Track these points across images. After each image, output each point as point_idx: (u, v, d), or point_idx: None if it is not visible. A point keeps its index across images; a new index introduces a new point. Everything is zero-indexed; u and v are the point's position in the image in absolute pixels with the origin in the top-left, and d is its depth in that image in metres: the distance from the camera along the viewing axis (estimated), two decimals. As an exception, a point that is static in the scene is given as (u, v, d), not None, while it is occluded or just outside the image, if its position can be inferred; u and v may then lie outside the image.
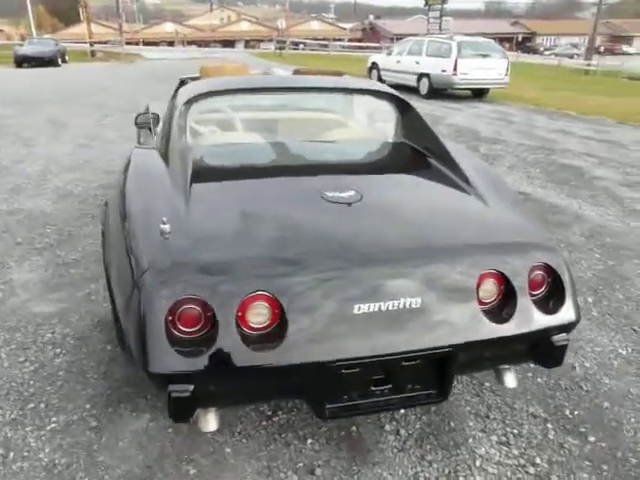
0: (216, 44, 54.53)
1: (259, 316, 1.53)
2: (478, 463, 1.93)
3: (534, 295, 1.74)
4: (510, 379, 1.86)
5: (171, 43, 51.33)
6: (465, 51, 11.48)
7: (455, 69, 11.30)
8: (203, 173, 2.02)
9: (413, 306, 1.59)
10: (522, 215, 2.03)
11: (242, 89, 2.44)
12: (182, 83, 3.18)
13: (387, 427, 2.08)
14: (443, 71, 11.47)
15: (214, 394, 1.53)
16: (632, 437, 2.08)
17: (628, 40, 57.61)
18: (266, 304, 1.53)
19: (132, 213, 1.83)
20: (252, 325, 1.52)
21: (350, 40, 54.15)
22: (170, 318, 1.47)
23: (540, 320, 1.71)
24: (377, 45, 35.70)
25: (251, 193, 2.01)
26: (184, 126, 2.22)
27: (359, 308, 1.56)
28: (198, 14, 76.03)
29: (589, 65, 28.28)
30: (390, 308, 1.57)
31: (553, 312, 1.74)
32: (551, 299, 1.76)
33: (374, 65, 14.28)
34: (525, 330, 1.69)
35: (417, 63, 12.18)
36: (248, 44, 57.20)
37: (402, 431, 2.07)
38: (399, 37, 49.43)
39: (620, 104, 12.80)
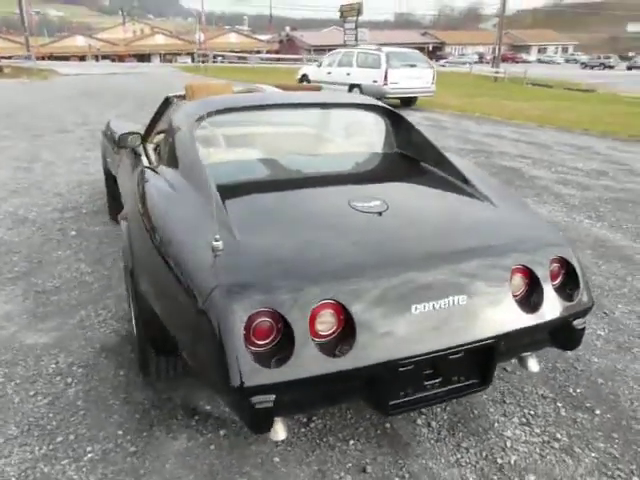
0: (131, 58, 52.98)
1: (326, 324, 1.60)
2: (509, 444, 2.09)
3: (554, 285, 1.93)
4: (533, 364, 2.05)
5: (82, 58, 49.27)
6: (394, 62, 11.99)
7: (386, 79, 11.77)
8: (231, 189, 2.07)
9: (460, 303, 1.73)
10: (530, 214, 2.24)
11: (251, 106, 2.50)
12: (167, 101, 3.16)
13: (418, 421, 2.20)
14: (374, 81, 11.90)
15: (290, 402, 1.58)
16: (630, 407, 2.33)
17: (527, 49, 62.08)
18: (332, 311, 1.60)
19: (173, 238, 1.83)
20: (320, 333, 1.59)
21: (268, 52, 54.52)
22: (245, 332, 1.51)
23: (563, 307, 1.90)
24: (297, 57, 36.16)
25: (284, 206, 2.07)
26: (196, 144, 2.24)
27: (416, 308, 1.67)
28: (107, 27, 73.56)
29: (497, 72, 30.30)
30: (441, 306, 1.70)
31: (572, 299, 1.93)
32: (568, 288, 1.96)
33: (304, 77, 14.54)
34: (552, 317, 1.87)
35: (348, 74, 12.55)
36: (164, 58, 56.03)
37: (433, 423, 2.20)
38: (316, 48, 50.46)
39: (535, 108, 13.84)
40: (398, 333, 1.64)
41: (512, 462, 2.01)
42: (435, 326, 1.69)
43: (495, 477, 1.94)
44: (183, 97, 3.14)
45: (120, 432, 2.12)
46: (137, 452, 2.02)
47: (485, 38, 62.43)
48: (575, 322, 1.95)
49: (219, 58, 39.19)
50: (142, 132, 3.24)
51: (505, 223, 2.09)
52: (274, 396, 1.51)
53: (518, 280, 1.89)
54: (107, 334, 2.83)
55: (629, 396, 2.40)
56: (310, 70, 14.61)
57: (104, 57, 49.59)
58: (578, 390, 2.43)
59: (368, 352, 1.58)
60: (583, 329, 1.97)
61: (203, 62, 31.88)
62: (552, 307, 1.87)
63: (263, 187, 2.27)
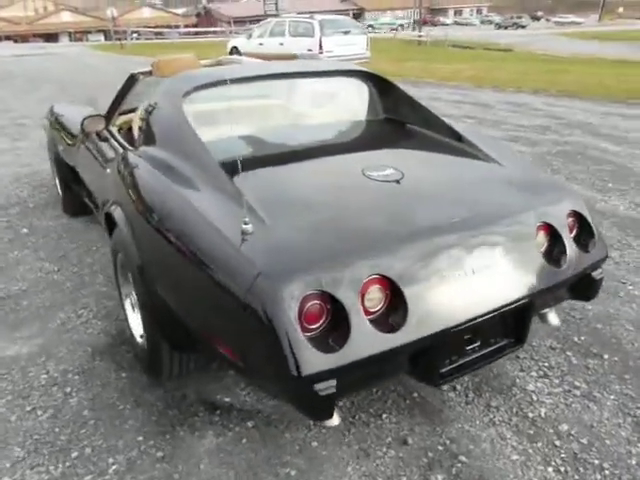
0: (36, 38, 49.18)
1: (374, 300, 1.53)
2: (534, 398, 2.14)
3: (573, 239, 1.96)
4: (554, 318, 2.08)
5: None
6: (327, 29, 11.81)
7: (321, 47, 11.59)
8: (235, 167, 1.93)
9: (498, 265, 1.71)
10: (534, 170, 2.25)
11: (241, 78, 2.33)
12: (132, 78, 2.90)
13: (444, 387, 2.20)
14: (309, 50, 11.67)
15: (347, 385, 1.51)
16: (632, 348, 2.44)
17: (444, 12, 63.13)
18: (379, 286, 1.54)
19: (191, 228, 1.68)
20: (370, 310, 1.53)
21: (186, 26, 52.35)
22: (298, 318, 1.42)
23: (583, 259, 1.93)
24: (219, 30, 34.97)
25: (298, 181, 1.96)
26: (189, 121, 2.07)
27: (457, 275, 1.63)
28: (5, 4, 67.76)
29: (420, 36, 30.70)
30: (481, 270, 1.67)
31: (588, 251, 1.97)
32: (584, 240, 1.98)
33: (235, 49, 14.06)
34: (576, 270, 1.90)
35: (281, 44, 12.25)
36: (74, 37, 52.52)
37: (458, 387, 2.20)
38: (237, 20, 48.97)
39: (465, 69, 14.13)
40: (444, 301, 1.60)
41: (542, 414, 2.05)
42: (476, 291, 1.66)
43: (531, 431, 1.97)
44: (149, 73, 2.90)
45: (140, 438, 1.98)
46: (165, 456, 1.89)
47: (404, 2, 62.83)
48: (594, 273, 1.99)
49: (134, 35, 37.23)
50: (103, 114, 2.98)
51: (518, 182, 2.08)
52: (335, 381, 1.43)
53: (542, 237, 1.89)
54: (95, 335, 2.63)
55: (628, 338, 2.51)
56: (240, 42, 14.16)
57: (7, 38, 45.73)
58: (582, 338, 2.52)
59: (421, 324, 1.54)
60: (602, 279, 2.02)
61: (119, 39, 30.14)
62: (575, 260, 1.90)
63: (268, 162, 2.13)
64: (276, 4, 23.95)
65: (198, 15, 57.36)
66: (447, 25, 53.35)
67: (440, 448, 1.90)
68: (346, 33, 12.17)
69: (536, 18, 58.80)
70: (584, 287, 1.99)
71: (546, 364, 2.34)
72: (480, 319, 1.66)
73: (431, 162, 2.21)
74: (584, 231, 2.00)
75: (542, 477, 1.78)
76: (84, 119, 2.83)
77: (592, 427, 1.99)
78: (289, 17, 13.39)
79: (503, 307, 1.71)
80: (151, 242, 1.87)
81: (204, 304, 1.64)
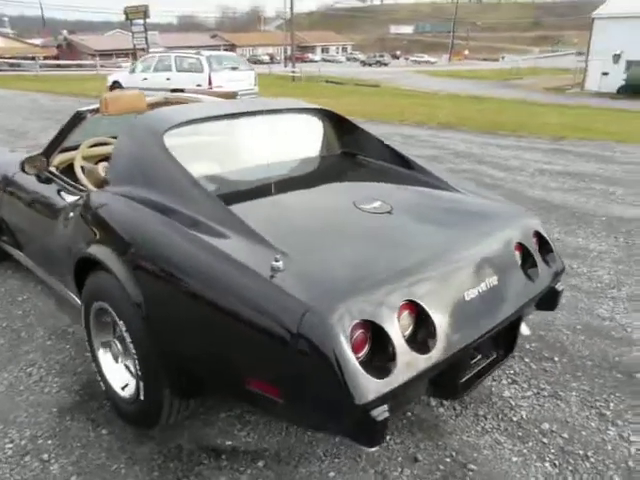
0: None
1: (404, 324, 1.62)
2: (513, 403, 2.35)
3: (540, 255, 2.22)
4: (525, 329, 2.31)
5: None
6: (216, 65, 11.86)
7: (210, 83, 11.58)
8: (234, 201, 1.93)
9: (494, 283, 1.90)
10: (492, 196, 2.52)
11: (216, 116, 2.33)
12: (78, 115, 2.73)
13: (432, 402, 2.34)
14: (198, 85, 11.61)
15: (394, 408, 1.57)
16: (574, 349, 2.77)
17: (312, 49, 66.20)
18: (408, 310, 1.63)
19: (212, 270, 1.65)
20: (403, 333, 1.61)
21: (46, 58, 49.09)
22: (352, 347, 1.47)
23: (549, 273, 2.20)
24: (89, 63, 33.35)
25: (298, 212, 2.02)
26: (174, 157, 2.03)
27: (467, 294, 1.79)
28: None
29: (294, 72, 31.92)
30: (483, 289, 1.85)
31: (551, 266, 2.24)
32: (546, 256, 2.26)
33: (116, 84, 13.52)
34: (547, 282, 2.15)
35: (168, 79, 12.03)
36: None
37: (444, 402, 2.35)
38: (102, 53, 46.98)
39: (346, 104, 14.91)
40: (462, 320, 1.74)
41: (524, 417, 2.26)
42: (483, 308, 1.83)
43: (520, 433, 2.17)
44: (96, 111, 2.76)
45: (156, 492, 1.85)
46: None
47: (273, 39, 64.91)
48: (557, 285, 2.26)
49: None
50: (40, 153, 2.78)
51: (484, 208, 2.31)
52: (387, 405, 1.49)
53: (517, 256, 2.12)
54: (56, 394, 2.40)
55: (569, 341, 2.85)
56: (122, 77, 13.65)
57: None
58: (533, 345, 2.81)
59: (448, 343, 1.65)
60: (562, 290, 2.30)
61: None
62: (544, 274, 2.15)
63: (261, 197, 2.15)
64: (146, 38, 23.58)
65: (59, 46, 54.14)
66: (316, 62, 55.91)
67: (448, 460, 2.02)
68: (234, 69, 12.32)
69: (396, 57, 63.92)
70: (549, 298, 2.25)
71: (512, 371, 2.58)
72: (488, 334, 1.82)
73: (409, 193, 2.38)
74: (545, 248, 2.27)
75: (543, 473, 1.97)
76: (25, 159, 2.62)
77: (567, 422, 2.23)
78: (174, 53, 13.22)
79: (504, 321, 1.89)
80: (160, 288, 1.79)
81: (234, 347, 1.61)
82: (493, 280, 1.90)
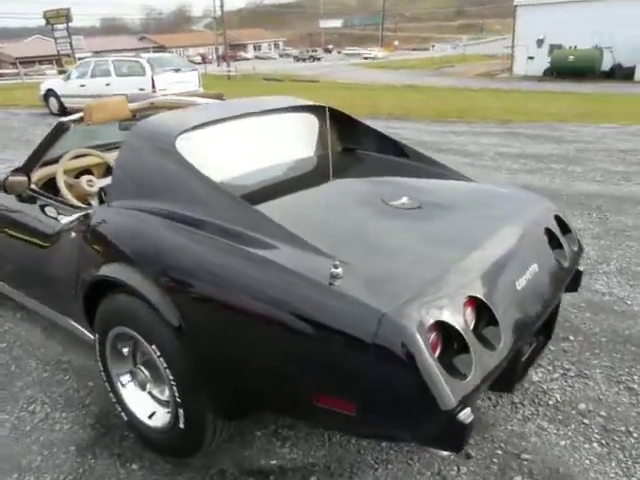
0: None
1: (470, 321, 1.58)
2: (545, 386, 2.36)
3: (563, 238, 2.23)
4: None
5: None
6: (157, 68, 11.41)
7: (154, 86, 11.14)
8: (268, 207, 1.81)
9: (536, 270, 1.88)
10: (505, 183, 2.51)
11: (224, 118, 2.18)
12: (62, 126, 2.49)
13: (467, 395, 2.31)
14: (141, 89, 11.16)
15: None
16: (586, 327, 2.82)
17: (244, 47, 65.39)
18: (471, 307, 1.58)
19: (266, 283, 1.54)
20: (472, 331, 1.56)
21: (-40, 68, 45.90)
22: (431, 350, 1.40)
23: (574, 254, 2.21)
24: (14, 71, 31.49)
25: (331, 212, 1.94)
26: (191, 165, 1.89)
27: (518, 284, 1.76)
28: None
29: (229, 71, 31.45)
30: (529, 277, 1.82)
31: (573, 247, 2.25)
32: (568, 238, 2.27)
33: (50, 92, 12.76)
34: (573, 264, 2.17)
35: (108, 85, 11.47)
36: None
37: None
38: (23, 61, 44.49)
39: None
40: (518, 310, 1.71)
41: (559, 399, 2.27)
42: (533, 296, 1.81)
43: (560, 416, 2.17)
44: (80, 120, 2.55)
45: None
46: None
47: (204, 39, 63.64)
48: (579, 266, 2.28)
49: None
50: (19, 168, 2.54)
51: (509, 195, 2.30)
52: (469, 407, 1.43)
53: (547, 240, 2.12)
54: (69, 430, 2.20)
55: (578, 319, 2.91)
56: (56, 84, 12.88)
57: None
58: (545, 326, 2.84)
59: (511, 334, 1.62)
60: (583, 271, 2.32)
61: None
62: (570, 256, 2.16)
63: (287, 199, 2.04)
64: (70, 43, 22.55)
65: (-27, 56, 50.81)
66: (249, 59, 55.33)
67: (500, 452, 2.00)
68: (177, 71, 11.89)
69: (328, 51, 64.19)
70: (574, 279, 2.27)
71: (533, 355, 2.59)
72: (540, 321, 1.80)
73: (429, 186, 2.32)
74: (566, 231, 2.28)
75: (594, 454, 1.98)
76: (4, 180, 2.39)
77: (601, 400, 2.26)
78: (112, 57, 12.63)
79: (551, 306, 1.88)
80: (206, 308, 1.65)
81: (301, 363, 1.51)
82: (535, 267, 1.88)
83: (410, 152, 2.63)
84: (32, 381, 2.54)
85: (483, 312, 1.60)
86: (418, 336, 1.37)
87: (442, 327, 1.47)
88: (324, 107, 2.70)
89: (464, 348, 1.47)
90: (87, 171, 2.99)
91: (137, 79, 11.36)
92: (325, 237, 1.70)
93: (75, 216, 2.19)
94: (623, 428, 2.10)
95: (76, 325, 2.32)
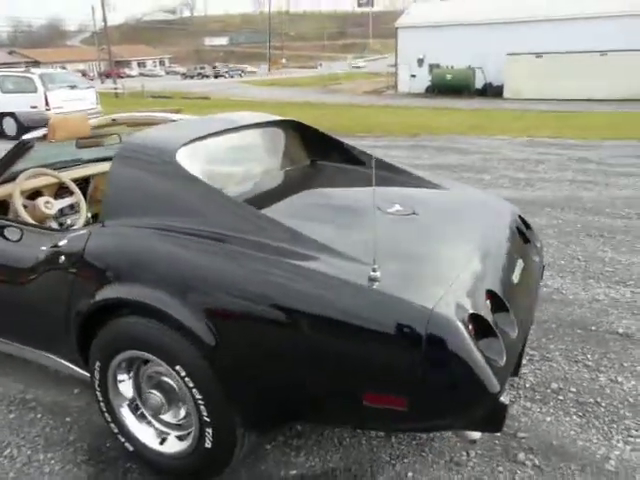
0: None
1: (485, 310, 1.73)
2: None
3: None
4: None
5: None
6: (50, 84, 10.69)
7: (47, 104, 10.42)
8: (281, 217, 1.85)
9: (522, 265, 2.09)
10: (472, 188, 2.74)
11: (215, 132, 2.15)
12: (24, 144, 2.28)
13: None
14: (33, 107, 10.39)
15: None
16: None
17: (127, 64, 62.95)
18: (490, 299, 1.74)
19: (311, 294, 1.57)
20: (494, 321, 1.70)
21: None
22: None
23: (539, 249, 2.47)
24: None
25: (336, 219, 2.02)
26: (198, 179, 1.87)
27: (514, 278, 1.96)
28: None
29: (116, 89, 30.12)
30: (519, 271, 2.03)
31: (538, 243, 2.51)
32: (531, 235, 2.51)
33: None
34: (542, 258, 2.43)
35: (-8, 102, 10.56)
36: None
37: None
38: None
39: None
40: (518, 300, 1.90)
41: (533, 381, 2.51)
42: (525, 288, 2.03)
43: (539, 396, 2.40)
44: (42, 138, 2.37)
45: None
46: None
47: (82, 55, 60.38)
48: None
49: None
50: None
51: (483, 199, 2.52)
52: (505, 389, 1.57)
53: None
54: (62, 470, 2.04)
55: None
56: None
57: None
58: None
59: (519, 322, 1.79)
60: (544, 265, 2.60)
61: None
62: (538, 251, 2.42)
63: (293, 209, 2.08)
64: None
65: None
66: (133, 77, 53.35)
67: (498, 434, 2.16)
68: (72, 87, 11.22)
69: (215, 68, 63.78)
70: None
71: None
72: (533, 311, 2.01)
73: (412, 193, 2.45)
74: (527, 228, 2.54)
75: (575, 424, 2.22)
76: None
77: (567, 378, 2.53)
78: (-2, 72, 11.65)
79: (536, 297, 2.11)
80: (242, 323, 1.63)
81: (349, 367, 1.55)
82: (520, 262, 2.09)
83: (382, 164, 2.75)
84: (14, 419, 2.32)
85: (498, 304, 1.76)
86: (463, 329, 1.49)
87: (474, 319, 1.60)
88: (293, 121, 2.77)
89: (495, 337, 1.61)
90: (37, 192, 2.79)
91: (28, 96, 10.60)
92: (345, 244, 1.77)
93: (51, 243, 2.04)
94: (592, 400, 2.37)
95: (62, 362, 2.16)
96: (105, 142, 2.75)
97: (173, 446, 1.92)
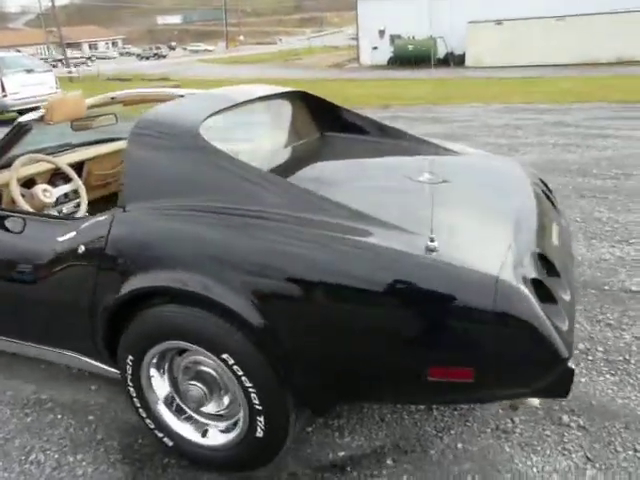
0: None
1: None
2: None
3: None
4: None
5: None
6: (6, 69, 10.11)
7: (4, 90, 9.87)
8: (312, 186, 1.76)
9: (557, 228, 2.06)
10: (488, 153, 2.69)
11: (232, 105, 2.01)
12: (22, 127, 2.09)
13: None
14: (-12, 93, 9.85)
15: None
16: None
17: (78, 46, 60.43)
18: (542, 262, 1.70)
19: (372, 268, 1.49)
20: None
21: None
22: None
23: (561, 213, 2.45)
24: None
25: (373, 189, 1.96)
26: (222, 150, 1.76)
27: (555, 241, 1.92)
28: None
29: (70, 72, 28.94)
30: (557, 235, 2.00)
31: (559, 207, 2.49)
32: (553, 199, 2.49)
33: None
34: (566, 221, 2.40)
35: (-59, 90, 9.93)
36: None
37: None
38: None
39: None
40: (562, 265, 1.86)
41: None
42: (564, 251, 1.99)
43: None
44: (40, 120, 2.19)
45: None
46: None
47: (28, 38, 57.63)
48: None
49: None
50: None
51: (506, 164, 2.48)
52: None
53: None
54: (96, 472, 1.94)
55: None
56: None
57: None
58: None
59: (569, 286, 1.76)
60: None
61: None
62: (564, 217, 2.40)
63: (325, 178, 1.98)
64: None
65: None
66: (81, 58, 51.28)
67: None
68: (30, 72, 10.65)
69: (172, 48, 61.87)
70: None
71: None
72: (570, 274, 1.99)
73: (439, 161, 2.36)
74: (550, 192, 2.51)
75: (611, 383, 2.23)
76: None
77: (592, 338, 2.54)
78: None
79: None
80: (294, 303, 1.54)
81: (415, 340, 1.49)
82: (555, 226, 2.06)
83: (392, 131, 2.69)
84: (15, 429, 2.18)
85: (549, 268, 1.71)
86: (529, 295, 1.44)
87: (534, 284, 1.55)
88: (304, 92, 2.65)
89: (554, 302, 1.57)
90: (32, 181, 2.60)
91: (-20, 82, 10.01)
92: (390, 215, 1.68)
93: (70, 231, 1.89)
94: (621, 358, 2.39)
95: (84, 359, 2.03)
96: (101, 123, 2.58)
97: (216, 438, 1.83)
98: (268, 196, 1.69)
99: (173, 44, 64.22)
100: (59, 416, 2.24)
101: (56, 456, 2.03)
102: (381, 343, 1.52)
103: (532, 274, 1.55)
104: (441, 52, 25.58)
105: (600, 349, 2.45)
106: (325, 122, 2.74)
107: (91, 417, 2.22)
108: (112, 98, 2.52)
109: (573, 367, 1.50)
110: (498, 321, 1.42)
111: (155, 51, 51.45)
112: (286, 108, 2.59)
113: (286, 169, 2.10)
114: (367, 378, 1.61)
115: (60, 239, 1.91)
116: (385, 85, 15.99)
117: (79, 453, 2.03)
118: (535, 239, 1.76)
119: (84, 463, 1.98)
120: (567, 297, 1.68)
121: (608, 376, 2.27)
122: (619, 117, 8.09)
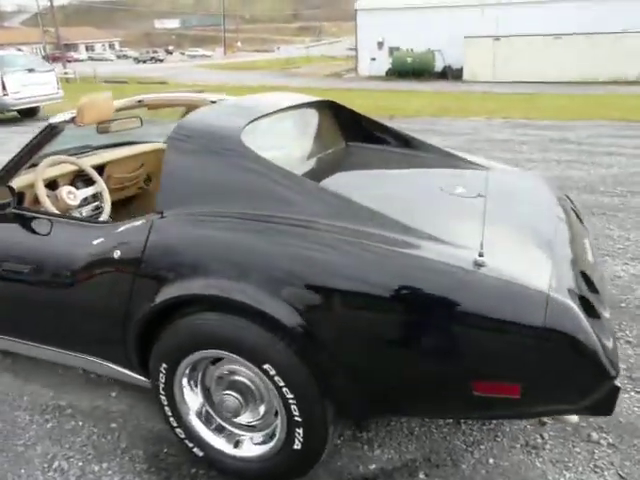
0: None
1: None
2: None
3: None
4: None
5: None
6: (7, 67, 10.03)
7: (5, 89, 9.79)
8: (355, 194, 1.75)
9: (588, 244, 2.07)
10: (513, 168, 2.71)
11: (267, 113, 2.01)
12: (53, 129, 2.07)
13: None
14: (-12, 92, 9.76)
15: None
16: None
17: (74, 47, 60.23)
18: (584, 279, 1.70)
19: (423, 282, 1.49)
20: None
21: None
22: None
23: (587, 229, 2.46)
24: None
25: (420, 206, 1.95)
26: (262, 157, 1.75)
27: (589, 257, 1.93)
28: None
29: (67, 73, 28.80)
30: (589, 251, 2.00)
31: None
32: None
33: None
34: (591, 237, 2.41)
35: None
36: None
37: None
38: None
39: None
40: (596, 281, 1.86)
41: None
42: (595, 267, 1.99)
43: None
44: (70, 121, 2.16)
45: None
46: None
47: (24, 37, 57.29)
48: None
49: None
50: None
51: (532, 178, 2.49)
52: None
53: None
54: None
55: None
56: None
57: None
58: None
59: (607, 302, 1.76)
60: None
61: None
62: (589, 232, 2.41)
63: (366, 192, 1.97)
64: None
65: None
66: (82, 61, 51.15)
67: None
68: (31, 71, 10.57)
69: (169, 52, 61.89)
70: None
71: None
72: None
73: (472, 177, 2.36)
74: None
75: (636, 401, 2.23)
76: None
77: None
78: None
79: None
80: (341, 314, 1.53)
81: (455, 355, 1.48)
82: (586, 242, 2.07)
83: (417, 143, 2.69)
84: (36, 435, 2.14)
85: (590, 285, 1.72)
86: (579, 312, 1.44)
87: (580, 301, 1.55)
88: (331, 101, 2.66)
89: (598, 319, 1.57)
90: (55, 182, 2.57)
91: (-19, 81, 9.93)
92: (434, 228, 1.68)
93: (101, 236, 1.86)
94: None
95: (112, 366, 2.00)
96: (127, 126, 2.56)
97: (251, 449, 1.81)
98: (312, 205, 1.68)
99: (170, 48, 64.20)
100: (80, 423, 2.20)
101: (80, 464, 1.99)
102: (428, 356, 1.51)
103: (578, 290, 1.55)
104: (439, 66, 25.77)
105: (623, 366, 2.45)
106: (351, 132, 2.74)
107: (113, 424, 2.18)
108: (139, 101, 2.50)
109: (619, 385, 1.50)
110: (548, 337, 1.42)
111: (152, 55, 51.41)
112: (315, 117, 2.58)
113: (319, 178, 2.09)
114: (413, 391, 1.60)
115: (95, 242, 1.88)
116: (384, 96, 16.05)
117: (104, 462, 1.99)
118: (576, 256, 1.76)
119: (110, 472, 1.95)
120: (607, 314, 1.68)
121: (633, 394, 2.28)
122: (621, 135, 8.19)
